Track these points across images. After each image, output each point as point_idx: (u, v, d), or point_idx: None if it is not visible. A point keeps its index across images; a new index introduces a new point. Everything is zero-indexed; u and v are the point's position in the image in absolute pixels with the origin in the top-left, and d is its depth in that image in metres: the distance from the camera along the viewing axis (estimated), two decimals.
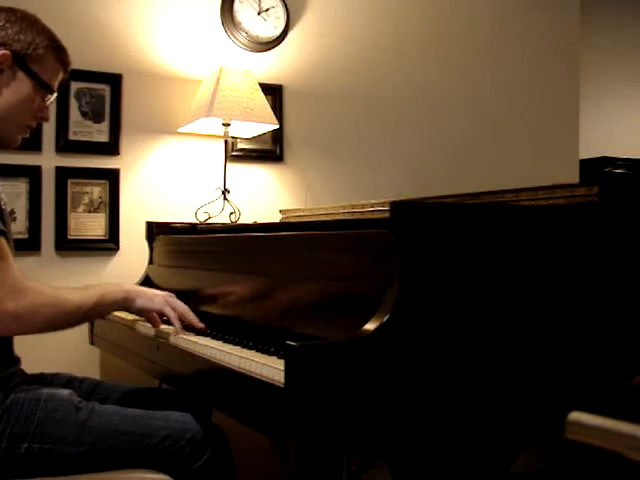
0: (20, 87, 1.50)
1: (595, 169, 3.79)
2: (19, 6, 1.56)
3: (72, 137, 2.41)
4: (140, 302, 1.60)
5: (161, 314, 1.66)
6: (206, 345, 1.44)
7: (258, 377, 1.19)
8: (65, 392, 1.48)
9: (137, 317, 1.85)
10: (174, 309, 1.62)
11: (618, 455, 0.67)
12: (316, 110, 2.82)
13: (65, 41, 2.39)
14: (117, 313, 1.95)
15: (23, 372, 1.60)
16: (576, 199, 1.38)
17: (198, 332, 1.62)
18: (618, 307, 1.32)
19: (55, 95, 1.58)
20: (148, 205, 2.52)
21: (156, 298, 1.62)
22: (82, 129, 2.43)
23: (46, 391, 1.44)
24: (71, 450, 1.38)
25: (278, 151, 2.74)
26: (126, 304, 1.60)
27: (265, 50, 2.71)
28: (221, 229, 2.26)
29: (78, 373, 1.80)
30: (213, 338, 1.54)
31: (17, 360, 1.57)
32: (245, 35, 2.65)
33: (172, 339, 1.60)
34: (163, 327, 1.72)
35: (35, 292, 1.40)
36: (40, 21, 1.55)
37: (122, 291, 1.59)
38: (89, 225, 2.43)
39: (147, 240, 2.38)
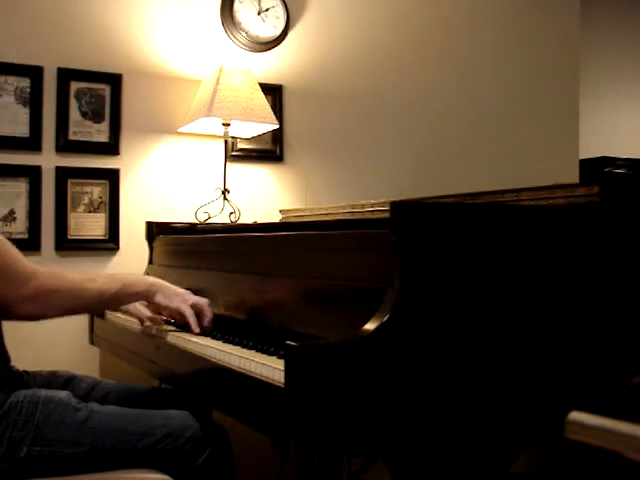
0: None
1: (595, 169, 3.79)
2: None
3: (72, 137, 2.41)
4: (159, 298, 1.62)
5: (178, 313, 1.66)
6: (206, 345, 1.44)
7: (258, 377, 1.19)
8: (63, 394, 1.48)
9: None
10: (193, 305, 1.64)
11: (618, 455, 0.67)
12: (316, 110, 2.82)
13: (65, 41, 2.42)
14: (117, 313, 1.96)
15: (17, 371, 1.60)
16: (576, 199, 1.38)
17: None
18: (618, 307, 1.32)
19: None
20: (148, 205, 2.51)
21: (175, 297, 1.63)
22: (82, 129, 2.43)
23: (44, 393, 1.44)
24: (71, 451, 1.38)
25: (278, 151, 2.74)
26: (147, 297, 1.63)
27: (265, 50, 2.71)
28: (221, 229, 2.26)
29: (78, 373, 1.80)
30: (213, 338, 1.54)
31: (8, 359, 1.57)
32: (245, 35, 2.65)
33: (171, 339, 1.61)
34: (163, 326, 1.72)
35: (49, 277, 1.43)
36: None
37: (146, 283, 1.62)
38: (89, 225, 2.43)
39: (147, 240, 2.38)
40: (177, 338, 1.59)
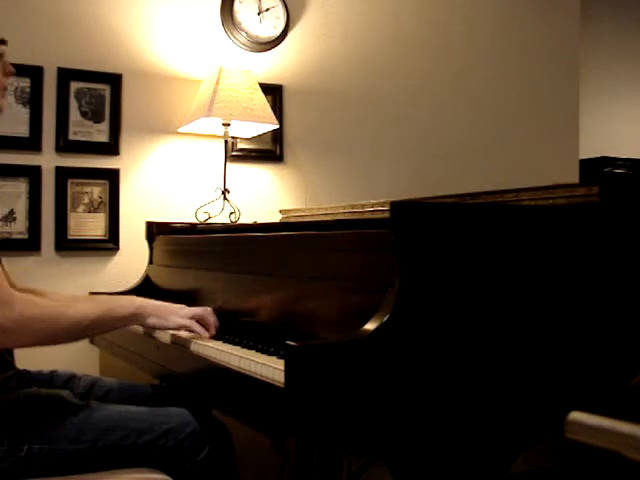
0: None
1: (595, 169, 3.79)
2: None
3: (72, 137, 2.41)
4: (152, 320, 1.54)
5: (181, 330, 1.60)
6: (206, 345, 1.44)
7: (258, 377, 1.19)
8: (64, 392, 1.48)
9: None
10: (193, 317, 1.57)
11: (618, 455, 0.67)
12: (316, 110, 2.82)
13: (65, 41, 2.42)
14: None
15: (20, 373, 1.60)
16: (576, 199, 1.38)
17: None
18: (618, 307, 1.32)
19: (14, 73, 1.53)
20: (148, 205, 2.51)
21: (171, 316, 1.55)
22: (82, 129, 2.43)
23: (45, 392, 1.44)
24: (71, 449, 1.37)
25: (278, 151, 2.74)
26: (137, 320, 1.53)
27: (265, 50, 2.71)
28: (221, 229, 2.26)
29: (78, 372, 1.80)
30: (213, 338, 1.54)
31: (12, 365, 1.56)
32: (245, 35, 2.65)
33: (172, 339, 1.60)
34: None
35: (25, 304, 1.33)
36: None
37: (133, 306, 1.52)
38: (89, 225, 2.43)
39: (147, 240, 2.38)
40: (177, 338, 1.59)
